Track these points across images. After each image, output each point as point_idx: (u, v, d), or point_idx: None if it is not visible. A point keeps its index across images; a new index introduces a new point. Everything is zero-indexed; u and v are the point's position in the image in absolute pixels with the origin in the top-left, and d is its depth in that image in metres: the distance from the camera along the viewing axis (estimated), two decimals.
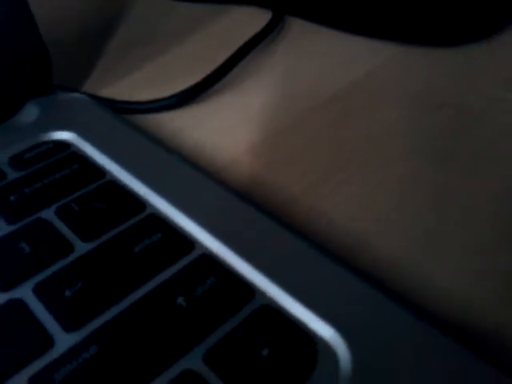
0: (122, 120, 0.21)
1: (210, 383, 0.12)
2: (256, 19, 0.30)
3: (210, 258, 0.15)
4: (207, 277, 0.14)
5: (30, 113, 0.22)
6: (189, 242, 0.15)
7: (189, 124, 0.22)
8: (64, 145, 0.20)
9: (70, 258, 0.15)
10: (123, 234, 0.16)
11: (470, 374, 0.12)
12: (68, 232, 0.16)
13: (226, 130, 0.22)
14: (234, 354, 0.12)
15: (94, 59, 0.28)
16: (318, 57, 0.26)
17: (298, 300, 0.13)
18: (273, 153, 0.20)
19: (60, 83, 0.25)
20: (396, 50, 0.26)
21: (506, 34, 0.26)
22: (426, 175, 0.18)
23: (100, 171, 0.18)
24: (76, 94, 0.23)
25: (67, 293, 0.14)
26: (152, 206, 0.17)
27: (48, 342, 0.13)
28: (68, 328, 0.13)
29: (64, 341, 0.13)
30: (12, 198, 0.17)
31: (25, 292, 0.14)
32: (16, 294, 0.14)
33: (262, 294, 0.14)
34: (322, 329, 0.13)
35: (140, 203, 0.17)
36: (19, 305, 0.14)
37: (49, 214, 0.17)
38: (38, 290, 0.14)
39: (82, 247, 0.15)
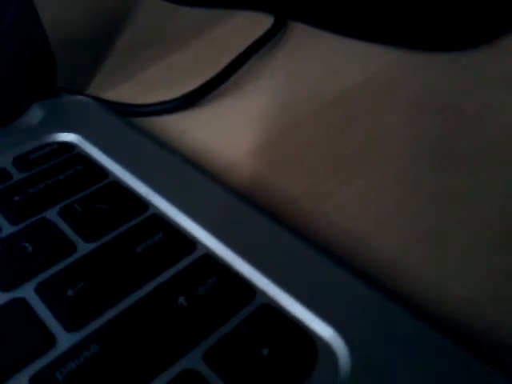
0: (126, 122, 0.21)
1: (211, 382, 0.12)
2: (258, 24, 0.30)
3: (211, 259, 0.15)
4: (208, 277, 0.14)
5: (35, 115, 0.22)
6: (190, 243, 0.15)
7: (192, 126, 0.23)
8: (68, 146, 0.20)
9: (73, 258, 0.15)
10: (125, 235, 0.16)
11: (470, 374, 0.12)
12: (71, 232, 0.16)
13: (228, 132, 0.22)
14: (235, 353, 0.12)
15: (98, 62, 0.28)
16: (320, 61, 0.26)
17: (298, 300, 0.13)
18: (274, 155, 0.20)
19: (64, 86, 0.25)
20: (397, 54, 0.26)
21: (506, 38, 0.26)
22: (426, 175, 0.19)
23: (103, 172, 0.19)
24: (80, 97, 0.23)
25: (69, 292, 0.14)
26: (154, 207, 0.17)
27: (49, 341, 0.13)
28: (69, 327, 0.13)
29: (65, 340, 0.13)
30: (16, 198, 0.17)
31: (27, 291, 0.14)
32: (18, 293, 0.14)
33: (263, 294, 0.14)
34: (322, 329, 0.13)
35: (142, 204, 0.17)
36: (22, 304, 0.14)
37: (52, 214, 0.17)
38: (40, 290, 0.14)
39: (84, 247, 0.15)
